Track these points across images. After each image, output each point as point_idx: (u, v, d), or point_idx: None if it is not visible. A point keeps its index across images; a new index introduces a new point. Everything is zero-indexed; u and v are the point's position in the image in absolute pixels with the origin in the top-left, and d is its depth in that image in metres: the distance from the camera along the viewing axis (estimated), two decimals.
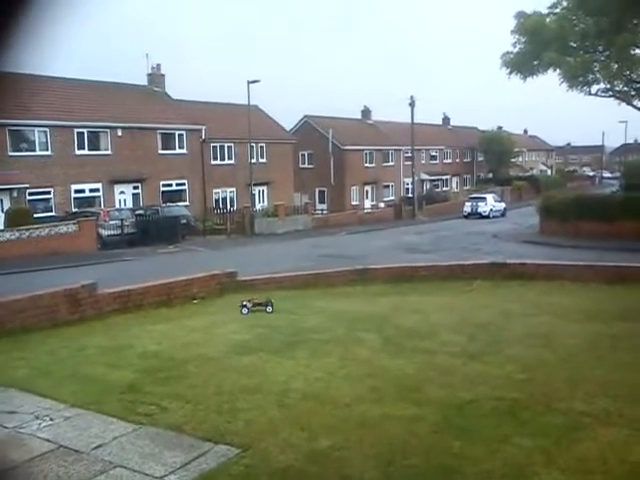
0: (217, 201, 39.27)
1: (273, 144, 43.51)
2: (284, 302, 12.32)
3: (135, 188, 34.72)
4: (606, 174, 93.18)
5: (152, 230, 29.40)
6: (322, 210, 47.48)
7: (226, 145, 39.89)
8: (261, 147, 42.14)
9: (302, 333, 9.36)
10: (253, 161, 37.72)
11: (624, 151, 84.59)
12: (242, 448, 5.26)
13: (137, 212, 31.18)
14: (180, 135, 36.92)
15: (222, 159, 39.77)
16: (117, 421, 5.81)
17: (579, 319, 10.38)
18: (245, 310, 11.22)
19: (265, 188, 42.50)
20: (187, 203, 36.53)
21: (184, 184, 37.20)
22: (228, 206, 38.90)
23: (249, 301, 11.46)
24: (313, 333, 9.37)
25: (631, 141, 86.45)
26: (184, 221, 32.03)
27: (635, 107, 31.74)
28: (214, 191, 39.12)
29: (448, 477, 4.78)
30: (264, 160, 42.29)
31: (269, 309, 11.29)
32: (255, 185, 38.48)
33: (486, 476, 4.77)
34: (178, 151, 36.79)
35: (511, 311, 11.25)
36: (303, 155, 50.79)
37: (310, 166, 50.77)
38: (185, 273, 14.27)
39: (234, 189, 40.30)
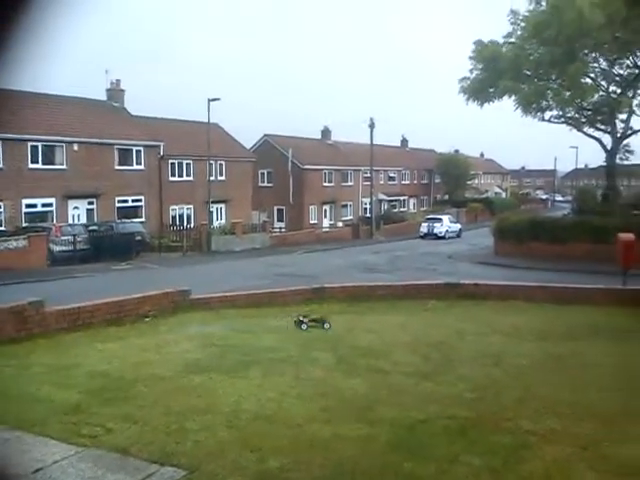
0: (174, 218, 38.85)
1: (232, 162, 43.38)
2: (238, 321, 12.21)
3: (90, 203, 34.07)
4: (558, 197, 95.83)
5: (105, 246, 28.84)
6: (280, 228, 47.41)
7: (184, 162, 39.59)
8: (220, 165, 41.96)
9: (255, 352, 9.26)
10: (212, 178, 37.50)
11: (575, 176, 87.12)
12: (189, 470, 5.14)
13: (90, 228, 30.58)
14: (138, 151, 36.49)
15: (180, 176, 39.43)
16: (59, 443, 5.60)
17: (530, 339, 10.56)
18: (304, 326, 11.33)
19: (223, 206, 42.24)
20: (143, 219, 36.01)
21: (140, 200, 36.69)
22: (185, 223, 38.50)
23: (304, 317, 11.58)
24: (267, 352, 9.28)
25: (582, 166, 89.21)
26: (139, 238, 31.53)
27: (585, 133, 32.86)
28: (171, 208, 38.70)
29: None
30: (223, 178, 42.09)
31: (326, 326, 11.32)
32: (213, 202, 38.23)
33: None
34: (135, 167, 36.32)
35: (464, 331, 11.38)
36: (262, 174, 50.77)
37: (269, 185, 50.76)
38: (138, 291, 13.99)
39: (192, 206, 39.94)
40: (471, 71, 32.40)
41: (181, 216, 39.36)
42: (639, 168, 52.66)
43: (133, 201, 36.30)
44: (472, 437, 6.00)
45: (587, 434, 6.11)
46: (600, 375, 8.48)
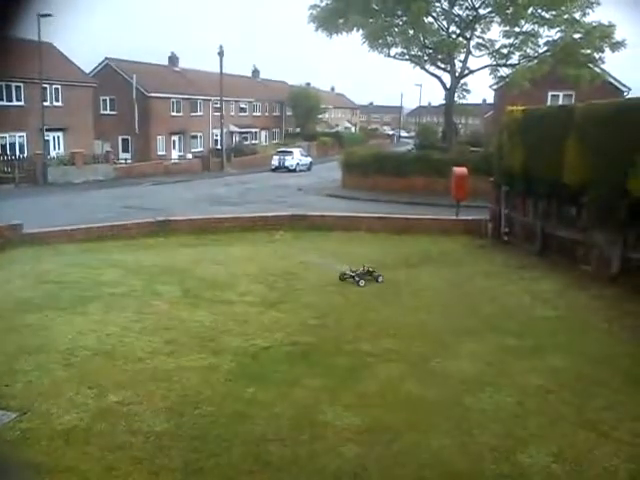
0: (4, 147, 35.34)
1: (70, 86, 39.99)
2: (77, 256, 11.58)
3: None
4: (403, 133, 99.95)
5: None
6: (126, 160, 45.01)
7: (13, 85, 35.75)
8: (56, 89, 38.53)
9: (96, 288, 8.86)
10: (46, 104, 34.42)
11: (419, 113, 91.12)
12: (20, 412, 4.89)
13: None
14: None
15: (9, 100, 35.68)
16: None
17: (370, 266, 11.06)
18: (362, 282, 9.77)
19: (61, 134, 39.12)
20: None
21: None
22: (17, 153, 35.25)
23: (355, 270, 10.02)
24: (108, 287, 8.92)
25: (425, 104, 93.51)
26: None
27: (427, 71, 34.12)
28: (0, 135, 35.18)
29: (240, 422, 4.88)
30: (59, 103, 38.78)
31: (380, 279, 9.95)
32: (49, 131, 35.24)
33: (275, 418, 4.95)
34: None
35: (310, 261, 11.68)
36: (105, 100, 47.45)
37: (112, 113, 47.64)
38: None
39: (24, 134, 36.50)
40: None
41: (12, 145, 35.87)
42: (474, 107, 56.19)
43: None
44: (313, 361, 6.27)
45: (419, 352, 6.62)
46: (432, 298, 9.17)
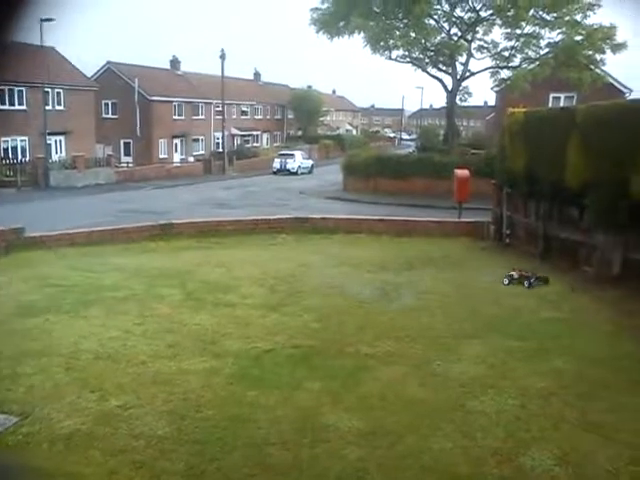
0: (6, 150, 35.37)
1: (72, 90, 40.06)
2: (78, 259, 11.56)
3: None
4: (405, 136, 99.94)
5: None
6: (127, 163, 45.06)
7: (16, 89, 35.87)
8: (58, 93, 38.63)
9: (97, 291, 8.86)
10: (49, 108, 34.47)
11: (420, 115, 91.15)
12: (22, 416, 4.89)
13: None
14: None
15: (12, 104, 35.74)
16: None
17: (371, 269, 11.07)
18: (506, 280, 10.08)
19: (63, 138, 39.17)
20: None
21: None
22: (19, 156, 35.28)
23: (514, 270, 10.28)
24: (109, 291, 8.92)
25: (427, 106, 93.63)
26: None
27: (429, 74, 34.11)
28: (2, 139, 35.20)
29: (241, 426, 4.87)
30: (61, 107, 38.85)
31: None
32: (51, 134, 35.28)
33: (277, 422, 4.94)
34: None
35: (311, 263, 11.67)
36: (106, 104, 47.51)
37: (114, 116, 47.70)
38: None
39: (26, 138, 36.59)
40: (322, 2, 32.14)
41: (14, 148, 35.93)
42: (476, 109, 56.16)
43: None
44: (315, 364, 6.26)
45: (420, 355, 6.61)
46: (434, 301, 9.14)
